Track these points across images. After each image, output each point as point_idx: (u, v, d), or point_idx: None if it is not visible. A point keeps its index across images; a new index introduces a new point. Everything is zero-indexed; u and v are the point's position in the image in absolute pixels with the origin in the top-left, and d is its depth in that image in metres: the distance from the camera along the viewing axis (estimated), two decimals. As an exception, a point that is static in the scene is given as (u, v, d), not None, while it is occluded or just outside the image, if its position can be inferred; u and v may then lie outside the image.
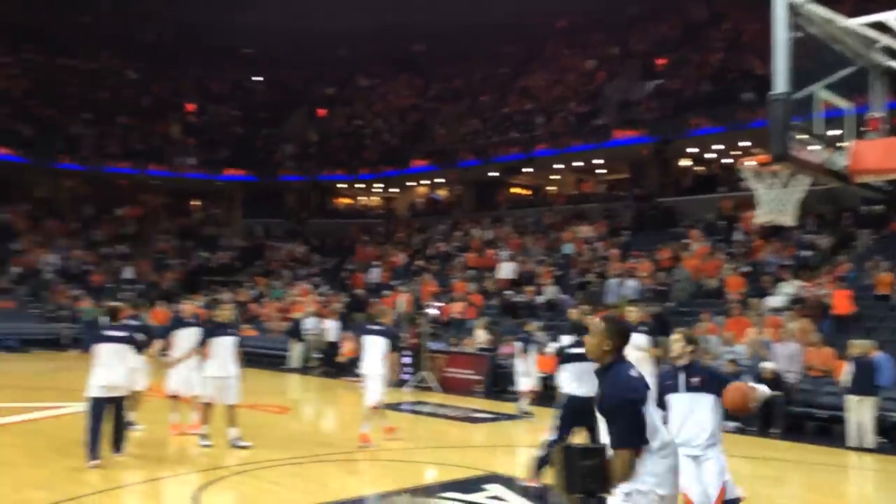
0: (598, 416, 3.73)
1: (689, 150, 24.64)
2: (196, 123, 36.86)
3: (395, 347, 9.73)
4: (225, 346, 9.06)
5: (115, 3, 34.68)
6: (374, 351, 9.46)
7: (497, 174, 29.17)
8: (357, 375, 10.36)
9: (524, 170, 28.47)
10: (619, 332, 3.72)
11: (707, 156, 24.82)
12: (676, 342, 5.28)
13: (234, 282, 28.34)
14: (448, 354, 16.49)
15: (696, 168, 25.96)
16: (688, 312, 15.52)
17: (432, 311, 18.28)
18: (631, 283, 17.93)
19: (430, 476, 8.36)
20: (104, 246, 31.70)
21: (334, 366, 18.45)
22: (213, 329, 9.28)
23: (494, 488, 7.39)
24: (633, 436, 3.53)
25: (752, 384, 5.35)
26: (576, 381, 6.87)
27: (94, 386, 7.84)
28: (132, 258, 31.32)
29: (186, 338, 9.53)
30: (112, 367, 7.87)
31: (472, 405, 13.63)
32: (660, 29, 30.31)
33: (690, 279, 17.84)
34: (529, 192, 31.21)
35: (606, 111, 26.93)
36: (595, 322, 3.96)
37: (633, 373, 3.67)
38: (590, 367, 4.49)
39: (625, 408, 3.54)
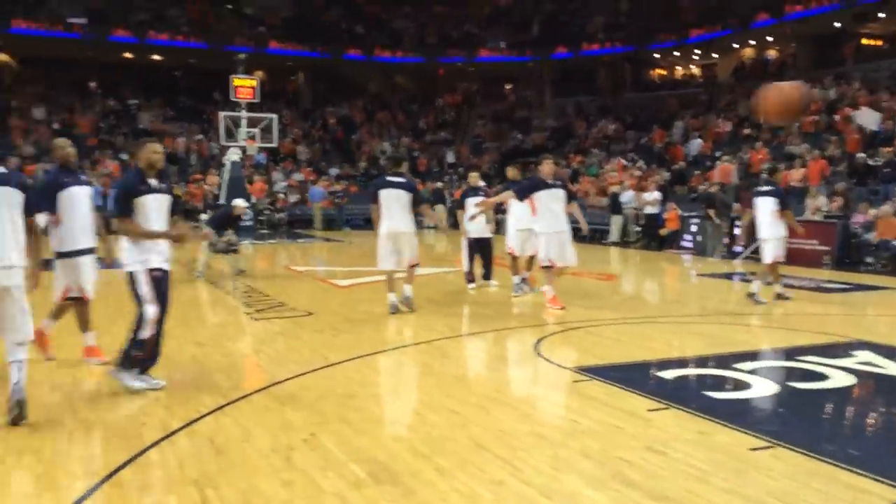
0: None
1: None
2: (505, 5, 36.93)
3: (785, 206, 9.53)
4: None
5: None
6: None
7: (840, 24, 25.12)
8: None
9: (879, 14, 24.13)
10: None
11: None
12: None
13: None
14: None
15: None
16: None
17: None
18: None
19: (786, 340, 7.55)
20: (428, 133, 33.84)
21: (655, 239, 17.83)
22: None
23: (864, 354, 6.44)
24: None
25: None
26: None
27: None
28: (453, 143, 33.07)
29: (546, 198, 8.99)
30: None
31: (821, 276, 12.23)
32: None
33: None
34: (882, 43, 26.52)
35: None
36: None
37: None
38: None
39: None
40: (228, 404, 5.00)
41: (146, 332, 5.18)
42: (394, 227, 8.46)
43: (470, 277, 10.61)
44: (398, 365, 6.68)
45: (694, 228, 17.00)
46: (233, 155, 21.04)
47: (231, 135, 21.43)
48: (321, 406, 4.99)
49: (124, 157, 26.41)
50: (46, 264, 5.39)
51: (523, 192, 9.07)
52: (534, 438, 4.36)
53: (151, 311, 5.18)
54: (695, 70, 32.58)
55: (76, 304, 6.13)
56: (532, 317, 8.78)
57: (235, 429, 4.53)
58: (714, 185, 17.42)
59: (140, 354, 5.23)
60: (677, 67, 32.97)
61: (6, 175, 4.71)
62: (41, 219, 5.65)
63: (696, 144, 24.04)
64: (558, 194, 8.96)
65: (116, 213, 5.21)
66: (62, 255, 5.94)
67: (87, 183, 6.23)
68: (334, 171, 29.04)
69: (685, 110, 28.01)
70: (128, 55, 31.27)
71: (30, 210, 4.74)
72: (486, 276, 10.63)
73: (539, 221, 8.97)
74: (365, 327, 7.92)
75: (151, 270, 5.23)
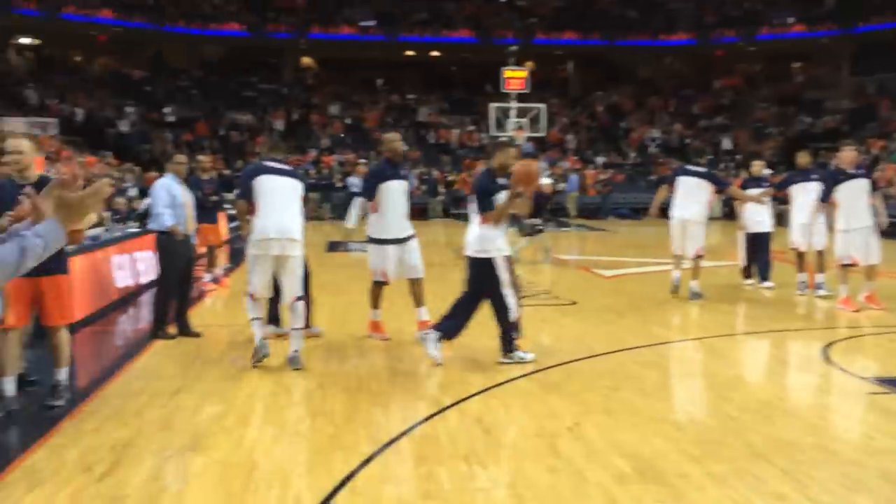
0: None
1: None
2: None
3: None
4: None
5: None
6: None
7: None
8: None
9: None
10: None
11: None
12: None
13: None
14: None
15: None
16: None
17: None
18: None
19: None
20: (702, 119, 32.12)
21: (980, 236, 15.26)
22: None
23: None
24: None
25: None
26: None
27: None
28: (730, 129, 31.05)
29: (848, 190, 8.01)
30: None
31: None
32: None
33: None
34: None
35: None
36: None
37: None
38: None
39: None
40: (496, 386, 5.16)
41: (514, 315, 5.69)
42: (683, 215, 8.69)
43: (747, 273, 9.89)
44: (666, 360, 6.42)
45: None
46: (502, 145, 21.72)
47: (500, 125, 22.08)
48: (585, 396, 4.96)
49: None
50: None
51: (827, 191, 8.14)
52: (822, 453, 3.94)
53: (511, 294, 5.68)
54: None
55: (375, 287, 6.63)
56: (820, 319, 7.98)
57: (502, 411, 4.66)
58: None
59: (517, 336, 5.80)
60: None
61: (293, 171, 5.98)
62: (359, 205, 6.68)
63: None
64: (862, 185, 7.95)
65: (482, 209, 5.73)
66: (372, 240, 6.55)
67: (406, 177, 6.71)
68: (601, 159, 28.74)
69: None
70: (409, 53, 33.53)
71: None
72: (763, 276, 9.71)
73: (839, 216, 8.01)
74: (630, 320, 7.72)
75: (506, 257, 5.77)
